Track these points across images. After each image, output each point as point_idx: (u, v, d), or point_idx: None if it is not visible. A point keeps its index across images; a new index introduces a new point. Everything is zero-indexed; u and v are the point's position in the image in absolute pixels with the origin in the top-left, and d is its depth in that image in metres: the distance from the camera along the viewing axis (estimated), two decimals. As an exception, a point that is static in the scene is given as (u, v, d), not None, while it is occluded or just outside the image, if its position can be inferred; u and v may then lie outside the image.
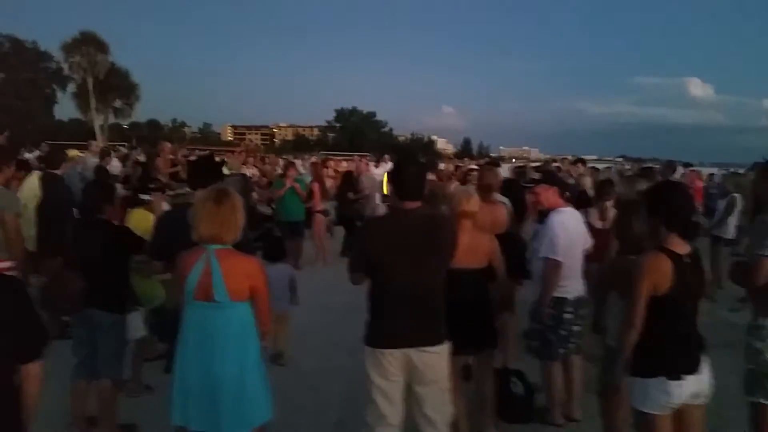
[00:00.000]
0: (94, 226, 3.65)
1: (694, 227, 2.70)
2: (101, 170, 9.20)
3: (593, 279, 4.28)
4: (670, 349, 2.59)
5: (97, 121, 47.48)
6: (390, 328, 2.79)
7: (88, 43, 46.14)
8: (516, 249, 4.24)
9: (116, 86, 49.97)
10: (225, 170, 11.31)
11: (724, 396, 3.06)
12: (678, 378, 2.53)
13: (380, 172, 15.34)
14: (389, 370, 2.78)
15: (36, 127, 45.19)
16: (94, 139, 41.34)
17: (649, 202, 2.73)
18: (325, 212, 9.34)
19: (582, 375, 4.14)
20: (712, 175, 14.32)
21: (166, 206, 4.88)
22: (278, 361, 5.01)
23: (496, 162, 7.27)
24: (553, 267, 3.78)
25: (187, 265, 2.60)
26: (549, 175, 4.31)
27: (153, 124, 74.32)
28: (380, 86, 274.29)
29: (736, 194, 7.72)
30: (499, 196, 5.08)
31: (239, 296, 2.61)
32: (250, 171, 12.16)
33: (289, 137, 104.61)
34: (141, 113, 59.76)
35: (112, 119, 52.28)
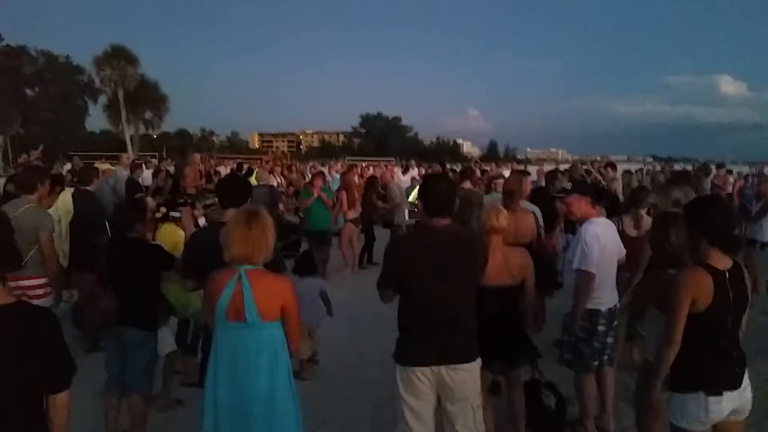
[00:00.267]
0: (126, 244, 3.72)
1: (736, 242, 2.63)
2: (133, 183, 9.40)
3: (625, 286, 4.20)
4: (709, 364, 2.54)
5: (128, 132, 48.39)
6: (420, 345, 2.77)
7: (118, 57, 47.07)
8: (544, 259, 4.18)
9: (146, 98, 50.90)
10: (253, 180, 11.50)
11: (763, 405, 2.97)
12: (717, 394, 2.48)
13: (407, 179, 15.34)
14: (420, 388, 2.75)
15: (69, 139, 46.34)
16: (125, 150, 42.41)
17: (689, 216, 2.66)
18: (354, 221, 9.24)
19: (616, 386, 4.06)
20: (747, 176, 13.93)
21: (199, 221, 4.95)
22: (314, 357, 5.11)
23: (525, 171, 7.14)
24: (586, 279, 3.71)
25: (218, 286, 2.62)
26: (580, 184, 4.23)
27: (182, 134, 75.50)
28: (405, 90, 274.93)
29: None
30: (527, 204, 5.03)
31: (270, 316, 2.62)
32: (276, 180, 12.27)
33: (315, 144, 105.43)
34: (170, 123, 60.72)
35: (142, 130, 53.21)
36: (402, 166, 23.97)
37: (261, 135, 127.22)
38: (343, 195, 9.07)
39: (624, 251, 4.02)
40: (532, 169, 22.03)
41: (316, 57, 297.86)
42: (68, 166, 14.00)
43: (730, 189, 10.94)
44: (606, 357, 3.92)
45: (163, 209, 6.04)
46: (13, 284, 4.59)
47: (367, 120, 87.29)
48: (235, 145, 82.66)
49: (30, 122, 45.97)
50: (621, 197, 9.16)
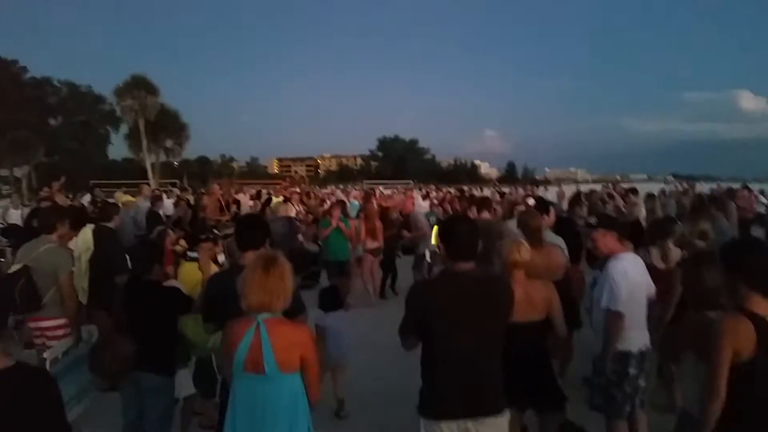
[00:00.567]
0: (144, 287, 3.67)
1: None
2: (154, 215, 9.43)
3: (655, 323, 4.05)
4: (757, 419, 2.36)
5: (149, 160, 49.09)
6: (446, 398, 2.65)
7: (138, 87, 47.98)
8: (569, 295, 4.05)
9: (166, 126, 51.68)
10: (274, 205, 11.48)
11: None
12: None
13: (426, 204, 15.22)
14: None
15: (92, 167, 47.16)
16: (146, 177, 42.99)
17: (726, 260, 2.51)
18: (374, 251, 9.05)
19: (648, 429, 3.87)
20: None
21: (219, 257, 4.91)
22: (340, 413, 4.93)
23: (547, 201, 6.96)
24: (614, 319, 3.56)
25: (235, 336, 2.54)
26: (606, 218, 4.10)
27: (203, 161, 76.43)
28: (421, 112, 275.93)
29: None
30: (551, 236, 4.88)
31: (289, 368, 2.52)
32: (295, 208, 12.24)
33: (333, 167, 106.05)
34: (191, 150, 61.49)
35: (163, 158, 53.94)
36: (421, 191, 23.98)
37: (279, 160, 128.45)
38: (362, 224, 8.96)
39: (653, 287, 3.87)
40: (552, 191, 21.89)
41: (335, 81, 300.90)
42: (87, 197, 14.14)
43: (758, 209, 10.65)
44: (638, 401, 3.76)
45: (183, 242, 6.04)
46: (32, 325, 4.64)
47: (384, 143, 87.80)
48: (254, 171, 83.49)
49: (54, 151, 46.94)
50: (644, 223, 8.98)
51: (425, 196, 18.91)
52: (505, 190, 20.73)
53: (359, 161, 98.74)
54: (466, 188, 21.73)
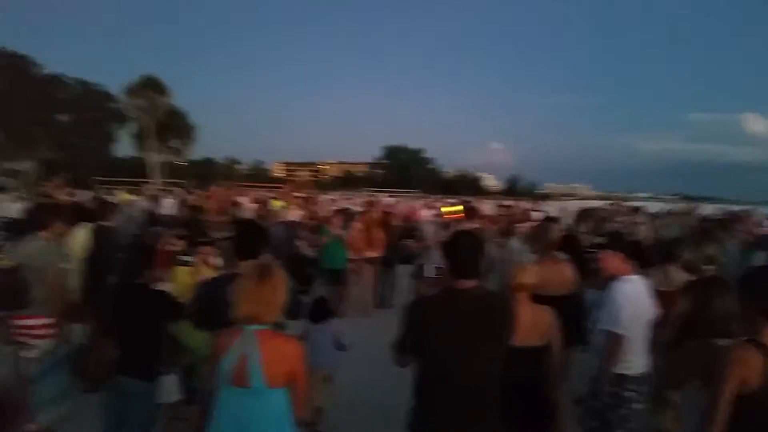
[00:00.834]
0: (132, 290, 3.57)
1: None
2: (151, 216, 9.38)
3: (655, 346, 3.94)
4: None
5: (154, 159, 49.10)
6: (439, 420, 2.54)
7: (149, 87, 48.07)
8: (576, 313, 3.95)
9: (174, 127, 51.71)
10: (275, 205, 11.39)
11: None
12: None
13: (430, 214, 15.11)
14: None
15: (97, 164, 47.16)
16: (151, 176, 43.00)
17: (745, 289, 2.42)
18: (372, 261, 8.94)
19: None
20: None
21: (215, 261, 4.82)
22: (316, 426, 4.78)
23: (553, 218, 6.89)
24: (615, 341, 3.48)
25: (222, 347, 2.45)
26: (615, 238, 4.00)
27: (207, 162, 76.44)
28: (427, 122, 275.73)
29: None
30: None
31: (277, 382, 2.43)
32: (297, 213, 12.14)
33: (337, 174, 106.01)
34: (196, 151, 61.41)
35: (169, 158, 53.91)
36: (424, 202, 23.89)
37: (284, 164, 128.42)
38: (362, 234, 8.85)
39: (657, 311, 3.78)
40: (554, 205, 21.78)
41: (342, 88, 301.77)
42: (86, 194, 14.06)
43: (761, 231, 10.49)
44: (634, 425, 3.65)
45: (181, 242, 5.95)
46: (17, 322, 4.54)
47: (389, 151, 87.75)
48: (258, 174, 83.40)
49: (61, 147, 46.98)
50: (647, 243, 8.86)
51: (430, 207, 18.86)
52: (508, 203, 20.54)
53: (364, 168, 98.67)
54: (469, 200, 21.57)
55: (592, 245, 4.01)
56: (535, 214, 12.46)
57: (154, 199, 10.61)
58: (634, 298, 3.53)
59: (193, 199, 12.57)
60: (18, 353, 3.08)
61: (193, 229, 7.47)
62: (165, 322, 3.61)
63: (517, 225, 8.41)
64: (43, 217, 4.70)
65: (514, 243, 5.10)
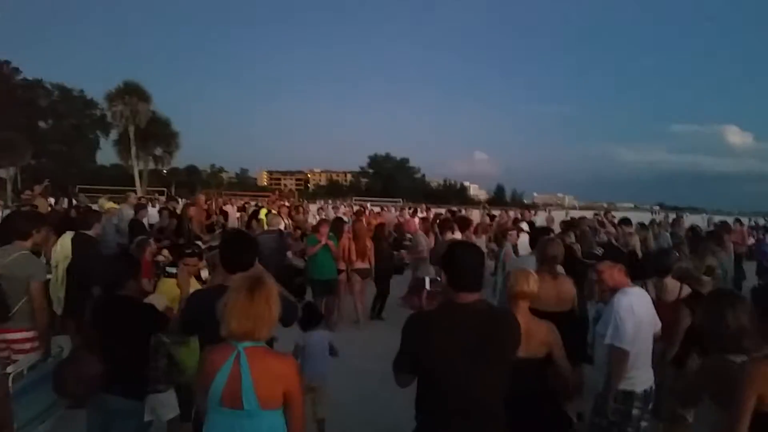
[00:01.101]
0: (115, 303, 3.40)
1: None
2: (137, 224, 9.16)
3: (660, 360, 3.86)
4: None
5: (137, 167, 48.54)
6: None
7: (130, 93, 47.54)
8: (577, 330, 3.85)
9: (157, 134, 51.20)
10: (262, 217, 11.24)
11: None
12: None
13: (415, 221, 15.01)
14: None
15: (79, 172, 46.56)
16: (134, 184, 42.46)
17: (760, 305, 2.34)
18: (362, 272, 8.77)
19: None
20: (766, 229, 13.49)
21: (201, 273, 4.67)
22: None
23: (546, 233, 6.81)
24: (619, 357, 3.37)
25: (212, 366, 2.29)
26: (612, 250, 3.92)
27: (191, 170, 75.89)
28: (412, 132, 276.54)
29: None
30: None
31: (271, 404, 2.28)
32: (284, 222, 11.99)
33: (323, 182, 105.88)
34: (180, 158, 60.89)
35: (152, 166, 53.36)
36: (410, 209, 23.82)
37: (269, 173, 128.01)
38: (352, 244, 8.71)
39: (659, 323, 3.69)
40: (541, 215, 21.82)
41: (327, 97, 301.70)
42: (68, 202, 13.77)
43: (749, 242, 10.56)
44: None
45: (167, 253, 5.78)
46: (-1, 336, 4.34)
47: (375, 160, 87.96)
48: (243, 182, 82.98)
49: (42, 154, 46.33)
50: (639, 253, 8.83)
51: (413, 214, 18.78)
52: (495, 212, 20.51)
53: (349, 177, 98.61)
54: (456, 209, 21.53)
55: (589, 256, 3.90)
56: (523, 225, 12.39)
57: (138, 207, 10.36)
58: (636, 311, 3.43)
59: (178, 207, 12.35)
60: (2, 369, 2.90)
61: (179, 237, 7.31)
62: (149, 337, 3.45)
63: (508, 234, 8.35)
64: (23, 226, 4.48)
65: (509, 251, 5.00)
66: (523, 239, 8.42)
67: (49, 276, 5.49)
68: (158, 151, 53.20)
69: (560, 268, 4.42)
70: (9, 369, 3.80)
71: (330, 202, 34.67)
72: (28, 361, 4.03)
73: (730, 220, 13.69)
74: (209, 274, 5.34)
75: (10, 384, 3.43)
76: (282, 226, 10.58)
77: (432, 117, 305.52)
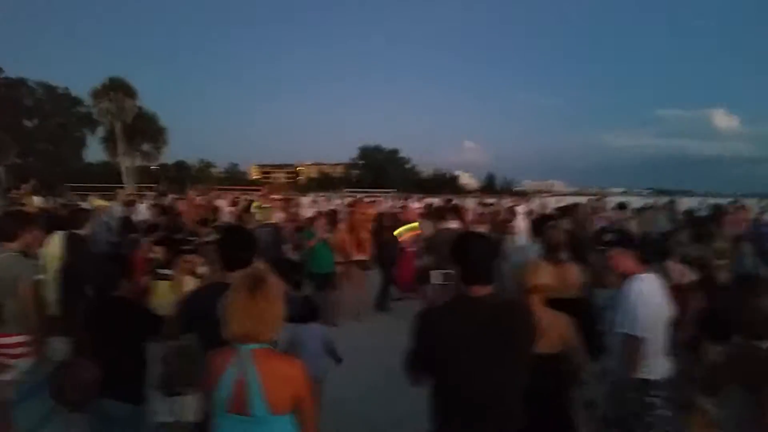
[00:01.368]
0: (108, 304, 3.26)
1: None
2: (127, 222, 8.99)
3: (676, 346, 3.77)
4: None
5: (125, 164, 48.10)
6: None
7: (116, 89, 47.04)
8: (586, 317, 3.75)
9: (144, 130, 50.75)
10: (256, 211, 11.07)
11: None
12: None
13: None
14: None
15: (66, 170, 46.04)
16: (122, 181, 42.03)
17: None
18: (361, 264, 8.65)
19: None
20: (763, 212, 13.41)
21: (198, 270, 4.53)
22: None
23: (552, 216, 6.72)
24: (634, 345, 3.26)
25: (216, 371, 2.16)
26: (624, 236, 3.81)
27: (181, 166, 75.18)
28: (402, 122, 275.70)
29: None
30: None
31: (280, 409, 2.15)
32: (278, 216, 11.82)
33: (314, 175, 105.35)
34: (169, 154, 60.34)
35: (140, 162, 52.88)
36: (402, 199, 23.66)
37: (260, 166, 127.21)
38: (348, 236, 8.57)
39: (673, 309, 3.59)
40: (533, 202, 21.75)
41: (315, 88, 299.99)
42: (57, 201, 13.55)
43: (744, 225, 10.47)
44: None
45: (160, 249, 5.64)
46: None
47: (365, 152, 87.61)
48: (233, 177, 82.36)
49: (28, 153, 45.80)
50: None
51: (404, 206, 18.60)
52: (489, 201, 20.37)
53: (340, 169, 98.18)
54: (449, 198, 21.40)
55: (602, 241, 3.77)
56: (518, 209, 12.31)
57: (129, 204, 10.18)
58: (650, 297, 3.33)
59: (168, 202, 12.15)
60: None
61: (173, 233, 7.14)
62: (145, 339, 3.32)
63: (508, 224, 8.25)
64: (10, 226, 4.32)
65: (516, 240, 4.89)
66: (521, 228, 8.33)
67: (42, 277, 5.35)
68: (146, 147, 52.76)
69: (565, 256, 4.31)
70: (7, 376, 3.67)
71: (322, 195, 34.45)
72: (24, 366, 3.89)
73: (722, 203, 13.69)
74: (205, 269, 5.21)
75: (9, 390, 3.32)
76: (276, 220, 10.42)
77: (421, 107, 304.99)
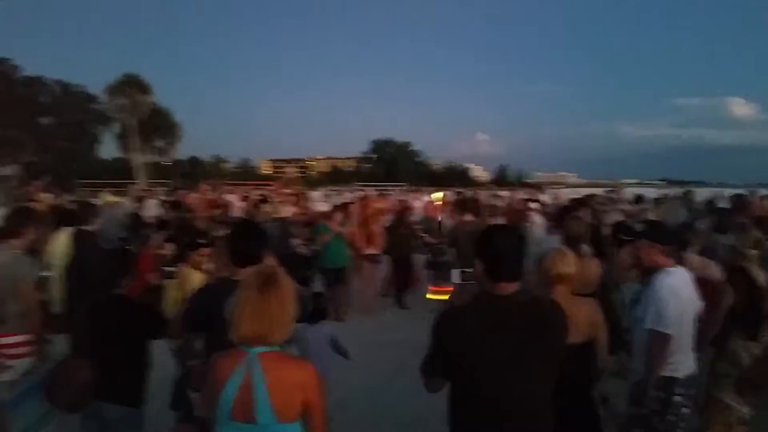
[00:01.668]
0: (110, 304, 3.15)
1: None
2: (137, 219, 8.93)
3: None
4: None
5: (139, 160, 48.38)
6: None
7: (131, 86, 47.32)
8: (607, 314, 3.58)
9: (158, 126, 50.99)
10: (268, 208, 10.98)
11: None
12: None
13: (419, 205, 14.72)
14: None
15: (82, 166, 46.40)
16: (136, 177, 42.26)
17: None
18: (372, 258, 8.54)
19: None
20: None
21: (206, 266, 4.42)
22: None
23: (572, 207, 6.53)
24: (661, 342, 3.10)
25: (221, 375, 2.02)
26: (654, 228, 3.62)
27: (193, 162, 75.46)
28: (414, 115, 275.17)
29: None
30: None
31: (288, 416, 2.00)
32: (289, 210, 11.73)
33: (326, 169, 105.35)
34: (182, 150, 60.55)
35: (154, 158, 53.17)
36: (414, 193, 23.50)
37: (272, 161, 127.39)
38: (359, 230, 8.46)
39: (701, 304, 3.41)
40: (545, 194, 21.49)
41: (328, 83, 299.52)
42: (69, 196, 13.53)
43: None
44: (682, 431, 3.29)
45: (170, 245, 5.55)
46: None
47: (377, 145, 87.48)
48: (246, 172, 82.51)
49: (44, 150, 46.18)
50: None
51: (412, 199, 18.41)
52: (503, 193, 20.11)
53: (351, 163, 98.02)
54: (462, 190, 21.17)
55: (630, 233, 3.58)
56: (533, 205, 12.06)
57: (139, 200, 10.12)
58: (678, 292, 3.16)
59: (176, 197, 12.08)
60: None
61: (182, 230, 7.05)
62: (147, 339, 3.20)
63: (524, 217, 8.06)
64: (14, 223, 4.22)
65: (533, 233, 4.71)
66: (538, 220, 8.16)
67: (49, 274, 5.28)
68: (160, 143, 53.03)
69: (586, 249, 4.14)
70: (5, 377, 3.58)
71: (334, 189, 34.30)
72: (23, 366, 3.80)
73: (741, 193, 13.36)
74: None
75: (6, 392, 3.21)
76: (287, 214, 10.32)
77: (433, 100, 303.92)
